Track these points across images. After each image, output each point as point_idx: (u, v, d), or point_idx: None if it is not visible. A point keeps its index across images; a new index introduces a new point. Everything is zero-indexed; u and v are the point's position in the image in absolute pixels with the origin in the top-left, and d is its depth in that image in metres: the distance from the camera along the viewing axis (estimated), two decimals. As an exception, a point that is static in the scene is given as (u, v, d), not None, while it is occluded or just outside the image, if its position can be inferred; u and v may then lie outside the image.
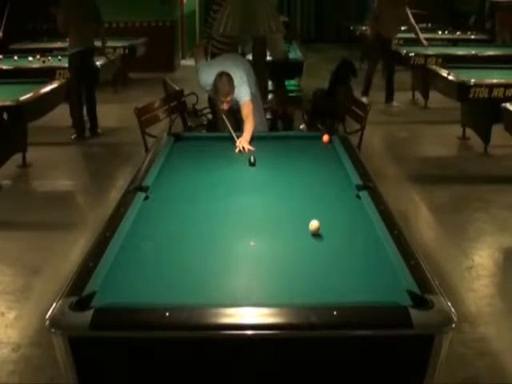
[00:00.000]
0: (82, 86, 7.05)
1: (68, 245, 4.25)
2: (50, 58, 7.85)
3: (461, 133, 6.86)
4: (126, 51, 9.32)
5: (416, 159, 6.37)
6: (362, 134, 4.75)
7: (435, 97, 7.80)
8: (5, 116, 5.19)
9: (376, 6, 9.20)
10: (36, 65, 7.59)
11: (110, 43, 7.96)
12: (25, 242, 4.36)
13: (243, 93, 4.27)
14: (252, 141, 3.92)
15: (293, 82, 8.01)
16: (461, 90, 6.19)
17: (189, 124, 5.63)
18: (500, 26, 11.16)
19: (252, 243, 2.53)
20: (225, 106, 4.20)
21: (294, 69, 7.68)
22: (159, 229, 2.65)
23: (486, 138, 6.30)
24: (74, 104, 7.03)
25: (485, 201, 5.03)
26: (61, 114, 6.81)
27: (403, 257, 2.26)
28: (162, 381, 1.94)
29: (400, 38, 9.47)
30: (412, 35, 9.16)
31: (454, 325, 1.85)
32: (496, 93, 6.03)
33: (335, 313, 1.85)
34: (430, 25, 11.61)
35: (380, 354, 1.87)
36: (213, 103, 5.29)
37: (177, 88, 5.83)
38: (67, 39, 7.17)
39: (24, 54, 8.13)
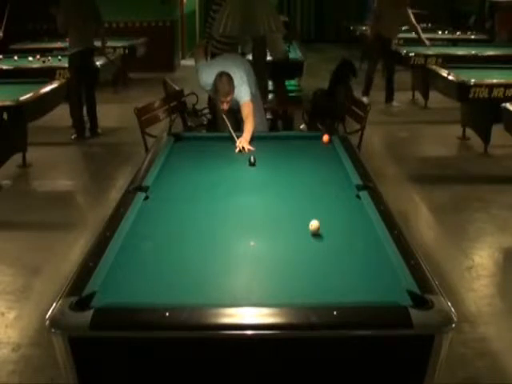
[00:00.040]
0: (82, 86, 7.05)
1: (68, 245, 4.25)
2: (49, 57, 7.85)
3: (461, 133, 6.86)
4: (126, 51, 9.32)
5: (416, 159, 6.37)
6: (361, 134, 4.75)
7: (435, 97, 7.80)
8: (5, 116, 5.19)
9: (376, 6, 9.19)
10: (36, 65, 7.59)
11: (110, 43, 7.96)
12: (25, 242, 4.36)
13: (243, 93, 4.27)
14: (252, 141, 3.92)
15: (293, 82, 8.01)
16: (461, 90, 6.19)
17: (189, 124, 5.63)
18: (499, 25, 11.17)
19: (252, 243, 2.53)
20: (225, 106, 4.20)
21: (294, 69, 7.69)
22: (159, 229, 2.65)
23: (486, 138, 6.30)
24: (74, 104, 7.04)
25: (485, 201, 5.03)
26: (61, 114, 6.81)
27: (403, 257, 2.26)
28: (162, 381, 1.94)
29: (400, 38, 9.47)
30: (412, 35, 9.17)
31: (453, 325, 1.85)
32: (496, 93, 6.03)
33: (335, 313, 1.85)
34: (430, 25, 11.61)
35: (380, 354, 1.87)
36: (212, 103, 5.29)
37: (177, 88, 5.83)
38: (67, 39, 7.17)
39: (24, 54, 8.14)
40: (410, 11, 8.63)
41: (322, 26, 16.75)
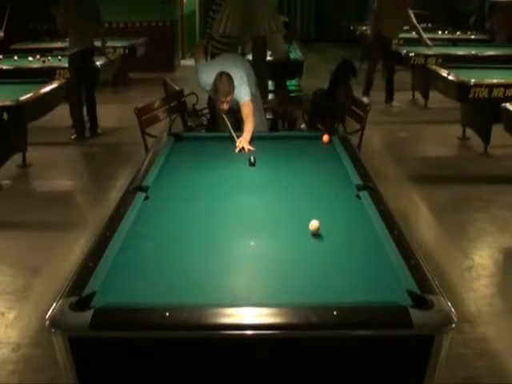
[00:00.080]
0: (82, 86, 7.05)
1: (68, 245, 4.25)
2: (50, 57, 7.86)
3: (461, 133, 6.86)
4: (126, 51, 9.32)
5: (416, 159, 6.37)
6: (361, 134, 4.75)
7: (435, 97, 7.80)
8: (5, 116, 5.19)
9: (376, 7, 9.19)
10: (36, 65, 7.59)
11: (110, 43, 7.96)
12: (25, 242, 4.36)
13: (243, 93, 4.27)
14: (252, 141, 3.92)
15: (293, 81, 8.02)
16: (461, 90, 6.19)
17: (189, 124, 5.63)
18: (498, 25, 11.15)
19: (252, 243, 2.53)
20: (225, 106, 4.20)
21: (294, 69, 7.69)
22: (159, 229, 2.65)
23: (486, 138, 6.30)
24: (74, 104, 7.04)
25: (485, 201, 5.03)
26: (61, 114, 6.81)
27: (403, 257, 2.26)
28: (162, 381, 1.94)
29: (400, 38, 9.47)
30: (412, 35, 9.16)
31: (453, 325, 1.85)
32: (496, 93, 6.03)
33: (335, 313, 1.85)
34: (430, 25, 11.61)
35: (380, 354, 1.87)
36: (212, 103, 5.29)
37: (177, 88, 5.83)
38: (67, 39, 7.17)
39: (24, 54, 8.14)
40: (411, 12, 8.62)
41: (322, 26, 16.76)
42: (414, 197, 5.20)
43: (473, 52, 8.48)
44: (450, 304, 1.92)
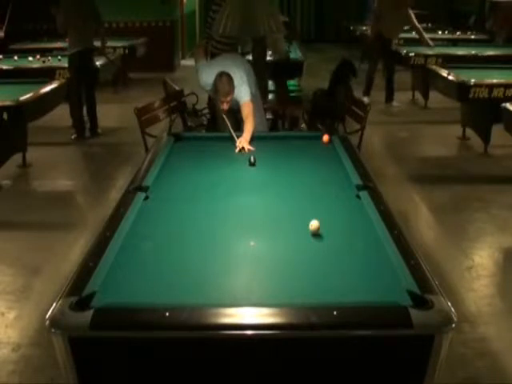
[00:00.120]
0: (82, 86, 7.05)
1: (68, 245, 4.25)
2: (49, 57, 7.85)
3: (461, 133, 6.86)
4: (126, 51, 9.32)
5: (416, 159, 6.37)
6: (361, 134, 4.75)
7: (435, 97, 7.80)
8: (5, 116, 5.19)
9: (376, 7, 9.18)
10: (36, 65, 7.59)
11: (109, 43, 7.96)
12: (25, 242, 4.36)
13: (243, 93, 4.27)
14: (252, 141, 3.92)
15: (293, 81, 8.01)
16: (461, 90, 6.19)
17: (189, 124, 5.63)
18: (496, 25, 11.16)
19: (252, 243, 2.53)
20: (225, 106, 4.20)
21: (294, 69, 7.69)
22: (159, 229, 2.65)
23: (486, 138, 6.30)
24: (74, 104, 7.04)
25: (485, 201, 5.03)
26: (61, 114, 6.81)
27: (403, 257, 2.26)
28: (162, 381, 1.94)
29: (400, 38, 9.47)
30: (413, 35, 9.16)
31: (453, 325, 1.85)
32: (496, 93, 6.03)
33: (335, 313, 1.85)
34: (430, 25, 11.60)
35: (380, 354, 1.87)
36: (212, 103, 5.29)
37: (177, 88, 5.83)
38: (67, 39, 7.17)
39: (24, 54, 8.14)
40: (411, 12, 8.61)
41: (322, 26, 16.75)
42: (414, 197, 5.20)
43: (473, 52, 8.47)
44: (450, 304, 1.92)
